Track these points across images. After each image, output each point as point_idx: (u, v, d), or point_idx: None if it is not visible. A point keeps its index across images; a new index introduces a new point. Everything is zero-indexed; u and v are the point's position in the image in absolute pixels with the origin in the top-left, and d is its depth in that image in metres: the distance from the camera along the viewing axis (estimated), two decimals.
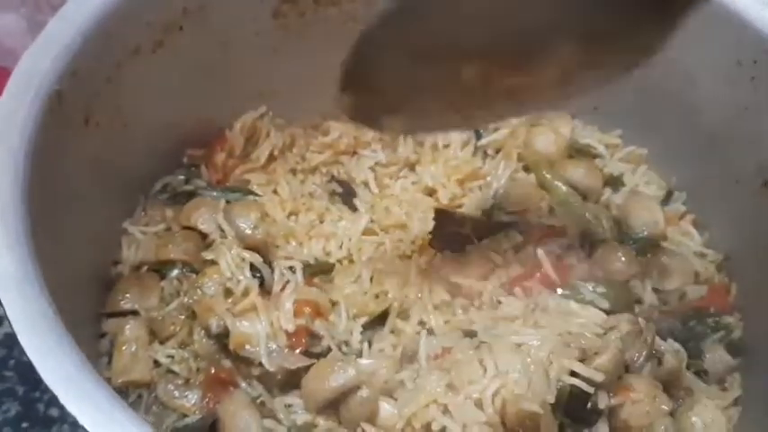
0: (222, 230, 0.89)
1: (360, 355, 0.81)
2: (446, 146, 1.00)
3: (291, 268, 0.87)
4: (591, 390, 0.75)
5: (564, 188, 0.94)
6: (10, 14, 1.17)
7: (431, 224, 0.88)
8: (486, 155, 1.01)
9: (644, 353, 0.79)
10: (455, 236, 0.88)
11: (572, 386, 0.75)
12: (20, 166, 0.67)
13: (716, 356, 0.87)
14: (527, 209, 0.92)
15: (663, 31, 0.60)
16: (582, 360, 0.75)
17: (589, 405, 0.76)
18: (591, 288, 0.83)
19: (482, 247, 0.87)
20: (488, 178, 0.96)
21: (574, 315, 0.80)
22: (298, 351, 0.80)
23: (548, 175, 0.95)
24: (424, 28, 0.62)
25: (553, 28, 0.60)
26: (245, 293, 0.83)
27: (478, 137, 1.01)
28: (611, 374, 0.76)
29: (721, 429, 0.80)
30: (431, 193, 0.96)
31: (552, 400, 0.74)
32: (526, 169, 0.98)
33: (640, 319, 0.81)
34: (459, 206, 0.94)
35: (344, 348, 0.82)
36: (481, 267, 0.86)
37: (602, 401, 0.76)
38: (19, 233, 0.63)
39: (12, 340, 1.01)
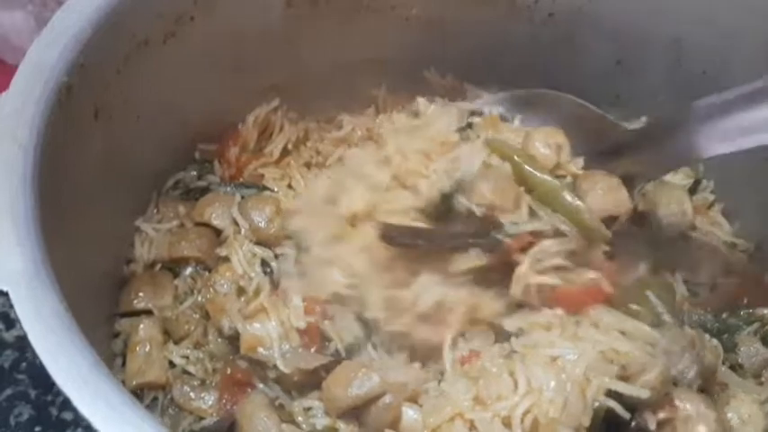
0: (236, 226, 0.88)
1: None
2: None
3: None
4: (626, 415, 0.70)
5: (550, 179, 0.81)
6: (18, 12, 1.16)
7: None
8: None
9: (695, 368, 0.75)
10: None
11: (608, 408, 0.70)
12: (29, 161, 0.65)
13: (751, 350, 0.84)
14: (495, 207, 0.79)
15: None
16: (623, 378, 0.71)
17: (633, 424, 0.72)
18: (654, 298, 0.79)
19: None
20: (457, 154, 0.83)
21: (625, 333, 0.75)
22: (312, 350, 0.78)
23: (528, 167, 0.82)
24: None
25: None
26: (257, 292, 0.82)
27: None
28: (659, 392, 0.72)
29: (759, 425, 0.78)
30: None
31: (587, 424, 0.69)
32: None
33: (691, 330, 0.78)
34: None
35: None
36: None
37: (651, 422, 0.72)
38: (29, 230, 0.62)
39: (23, 343, 1.01)
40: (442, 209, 0.80)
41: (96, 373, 0.54)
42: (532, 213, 0.80)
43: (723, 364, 0.81)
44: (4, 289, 0.58)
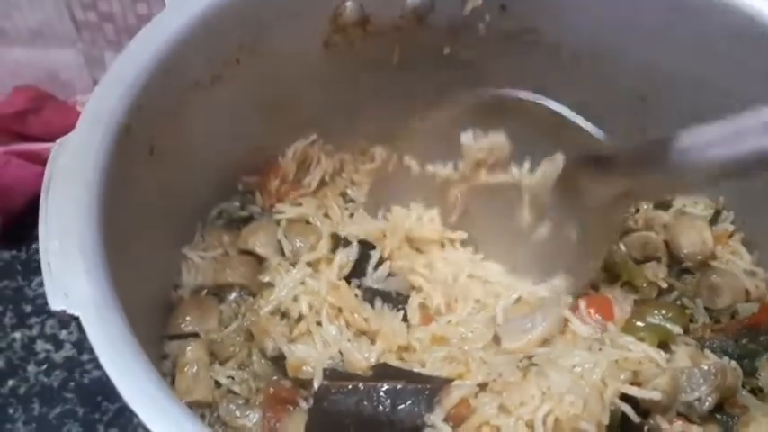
0: (279, 255, 0.92)
1: None
2: None
3: None
4: (636, 419, 0.74)
5: None
6: (68, 50, 1.22)
7: None
8: None
9: (711, 400, 0.78)
10: None
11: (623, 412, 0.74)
12: (94, 197, 0.70)
13: None
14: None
15: None
16: (635, 384, 0.75)
17: (646, 428, 0.75)
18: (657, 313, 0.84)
19: None
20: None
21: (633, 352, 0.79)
22: None
23: None
24: None
25: None
26: (299, 318, 0.85)
27: None
28: (669, 395, 0.76)
29: None
30: None
31: (607, 422, 0.73)
32: None
33: (717, 358, 0.81)
34: None
35: None
36: None
37: (663, 424, 0.76)
38: (96, 259, 0.66)
39: (72, 363, 1.06)
40: None
41: (161, 391, 0.58)
42: None
43: (743, 387, 0.83)
44: (76, 314, 0.62)
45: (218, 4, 0.85)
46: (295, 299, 0.85)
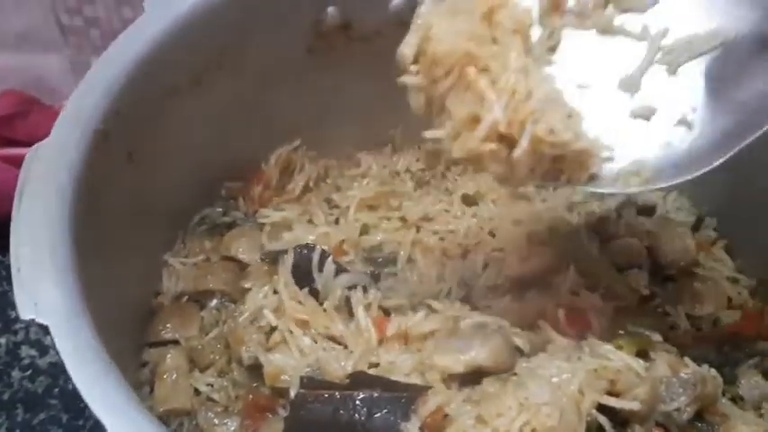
0: (260, 261, 0.92)
1: None
2: None
3: None
4: (612, 431, 0.73)
5: None
6: (54, 55, 1.22)
7: None
8: None
9: (693, 406, 0.77)
10: None
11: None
12: (68, 202, 0.70)
13: (751, 382, 0.86)
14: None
15: None
16: (614, 393, 0.74)
17: None
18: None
19: None
20: None
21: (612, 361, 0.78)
22: None
23: None
24: None
25: None
26: (274, 328, 0.84)
27: None
28: (649, 405, 0.75)
29: None
30: None
31: None
32: None
33: (698, 368, 0.80)
34: None
35: None
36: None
37: None
38: (67, 268, 0.66)
39: (56, 369, 1.05)
40: None
41: (129, 401, 0.58)
42: None
43: (724, 395, 0.83)
44: (45, 323, 0.62)
45: (199, 10, 0.85)
46: (261, 310, 0.85)
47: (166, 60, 0.83)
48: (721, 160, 0.69)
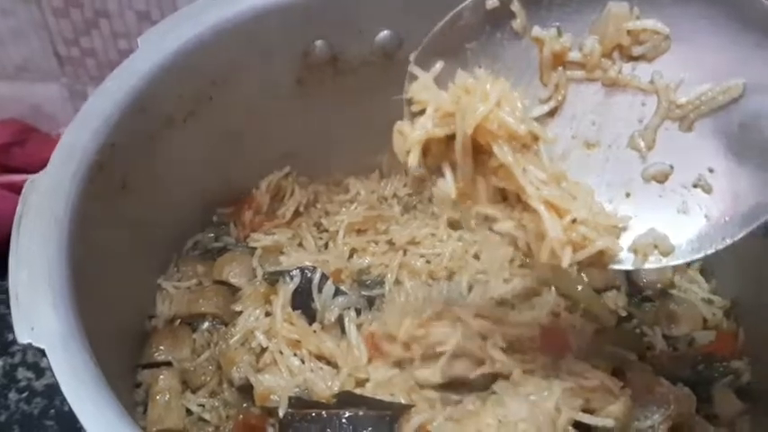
0: (252, 286, 0.94)
1: None
2: None
3: None
4: None
5: None
6: (51, 84, 1.24)
7: None
8: None
9: (666, 424, 0.80)
10: None
11: None
12: (64, 232, 0.72)
13: (725, 400, 0.88)
14: None
15: None
16: (589, 410, 0.76)
17: None
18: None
19: None
20: None
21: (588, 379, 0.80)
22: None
23: None
24: None
25: None
26: (264, 349, 0.87)
27: None
28: (623, 423, 0.78)
29: None
30: None
31: None
32: None
33: (675, 388, 0.82)
34: None
35: None
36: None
37: None
38: (63, 294, 0.68)
39: (52, 391, 1.06)
40: None
41: (122, 422, 0.60)
42: None
43: (698, 413, 0.85)
44: (42, 346, 0.64)
45: (191, 43, 0.87)
46: (252, 332, 0.88)
47: (160, 93, 0.85)
48: (744, 233, 0.62)
